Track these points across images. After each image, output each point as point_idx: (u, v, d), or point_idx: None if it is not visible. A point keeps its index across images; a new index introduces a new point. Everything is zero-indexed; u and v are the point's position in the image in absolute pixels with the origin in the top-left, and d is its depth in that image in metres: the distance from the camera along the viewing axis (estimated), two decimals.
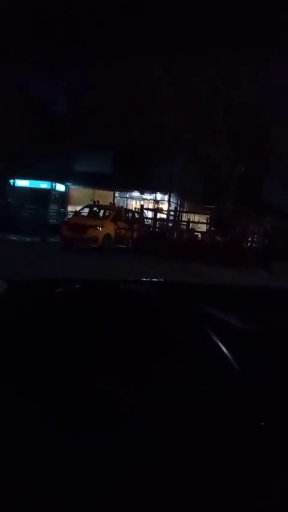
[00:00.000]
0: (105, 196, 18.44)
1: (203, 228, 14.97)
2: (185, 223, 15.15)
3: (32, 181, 20.02)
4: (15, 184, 19.90)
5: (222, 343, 0.68)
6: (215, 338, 0.69)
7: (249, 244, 13.66)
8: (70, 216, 16.37)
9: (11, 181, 19.72)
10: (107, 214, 14.12)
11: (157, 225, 14.78)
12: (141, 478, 0.54)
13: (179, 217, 16.61)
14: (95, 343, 0.67)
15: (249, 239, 13.84)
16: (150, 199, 20.34)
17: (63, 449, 0.56)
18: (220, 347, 0.67)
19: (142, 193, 20.65)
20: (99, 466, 0.55)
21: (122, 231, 13.39)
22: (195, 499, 0.54)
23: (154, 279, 1.37)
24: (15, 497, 0.53)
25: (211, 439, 0.57)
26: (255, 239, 13.97)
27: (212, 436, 0.57)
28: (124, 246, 13.24)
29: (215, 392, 0.62)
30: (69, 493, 0.54)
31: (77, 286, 0.94)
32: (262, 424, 0.57)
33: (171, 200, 19.86)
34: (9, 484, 0.54)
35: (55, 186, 20.68)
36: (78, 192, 21.04)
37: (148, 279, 1.31)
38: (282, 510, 0.55)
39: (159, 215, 15.90)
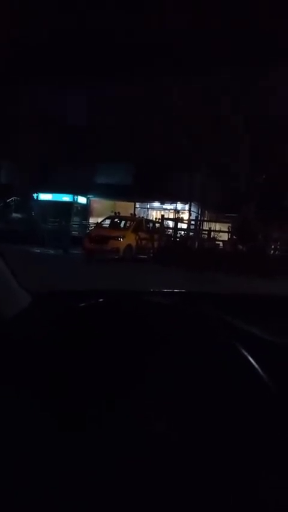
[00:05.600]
0: (126, 208, 18.59)
1: (225, 236, 14.84)
2: (206, 232, 15.06)
3: (55, 194, 20.43)
4: (38, 198, 20.35)
5: (250, 355, 0.66)
6: (242, 350, 0.68)
7: (272, 251, 13.42)
8: (92, 227, 16.56)
9: (34, 195, 20.18)
10: (128, 225, 14.21)
11: (178, 235, 14.74)
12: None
13: (200, 226, 16.53)
14: (121, 358, 0.67)
15: (273, 247, 13.60)
16: (171, 209, 20.36)
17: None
18: (249, 360, 0.66)
19: (162, 203, 20.71)
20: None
21: (143, 242, 13.42)
22: None
23: (177, 290, 1.36)
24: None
25: (244, 458, 0.55)
26: (278, 246, 13.72)
27: (245, 455, 0.55)
28: (145, 257, 13.26)
29: (246, 408, 0.60)
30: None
31: (100, 298, 0.94)
32: None
33: (191, 209, 19.81)
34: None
35: (77, 198, 21.03)
36: (99, 203, 21.32)
37: (171, 290, 1.30)
38: None
39: (180, 225, 15.87)
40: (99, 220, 15.99)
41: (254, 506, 0.51)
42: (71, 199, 20.77)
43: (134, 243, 13.12)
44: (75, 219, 20.19)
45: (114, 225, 14.38)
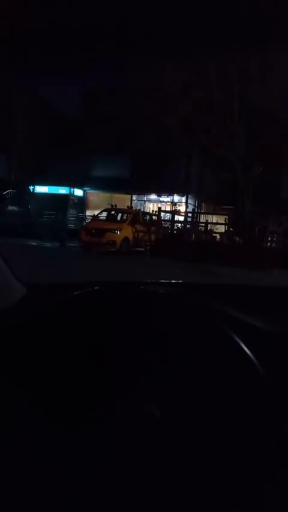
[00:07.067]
0: (122, 200, 18.53)
1: (222, 228, 14.83)
2: (203, 224, 15.04)
3: (51, 187, 20.32)
4: (35, 191, 20.25)
5: (247, 345, 0.66)
6: (237, 340, 0.67)
7: (268, 244, 13.45)
8: (88, 220, 16.51)
9: (31, 188, 20.07)
10: (124, 217, 14.16)
11: (175, 227, 14.73)
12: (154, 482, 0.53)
13: (196, 218, 16.51)
14: (115, 347, 0.66)
15: (269, 239, 13.63)
16: (168, 202, 20.33)
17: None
18: (243, 349, 0.65)
19: (159, 195, 20.67)
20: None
21: (140, 234, 13.40)
22: None
23: (173, 281, 1.35)
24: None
25: (243, 455, 0.54)
26: (274, 239, 13.75)
27: (244, 451, 0.55)
28: (142, 249, 13.25)
29: (239, 396, 0.60)
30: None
31: (96, 288, 0.93)
32: None
33: (188, 202, 19.79)
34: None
35: (73, 191, 20.94)
36: (96, 196, 21.25)
37: (167, 281, 1.29)
38: None
39: (176, 217, 15.84)
40: (96, 212, 15.94)
41: (255, 505, 0.51)
42: (68, 192, 20.68)
43: (130, 236, 13.09)
44: (72, 212, 20.12)
45: (110, 218, 14.33)
